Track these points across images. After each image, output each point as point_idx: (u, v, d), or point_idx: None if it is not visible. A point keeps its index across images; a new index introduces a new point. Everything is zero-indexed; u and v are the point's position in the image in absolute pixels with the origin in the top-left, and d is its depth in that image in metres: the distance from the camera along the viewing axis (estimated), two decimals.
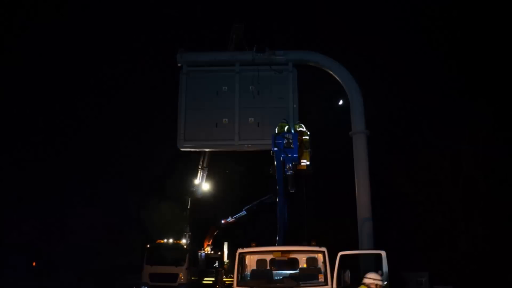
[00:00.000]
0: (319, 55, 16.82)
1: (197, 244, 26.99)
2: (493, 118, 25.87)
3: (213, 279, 26.31)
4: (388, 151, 28.22)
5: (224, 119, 16.31)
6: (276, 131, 14.47)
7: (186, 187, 27.85)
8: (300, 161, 13.89)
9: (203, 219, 29.88)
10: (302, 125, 15.10)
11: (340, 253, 9.98)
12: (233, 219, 27.49)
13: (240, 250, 10.66)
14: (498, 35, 29.42)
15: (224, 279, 26.86)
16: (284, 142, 13.01)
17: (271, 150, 13.77)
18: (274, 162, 14.04)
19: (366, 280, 7.94)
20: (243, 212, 26.83)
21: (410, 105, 30.04)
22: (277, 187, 13.36)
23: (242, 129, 16.15)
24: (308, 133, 14.88)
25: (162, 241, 23.91)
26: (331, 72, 16.54)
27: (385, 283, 9.57)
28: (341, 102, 16.69)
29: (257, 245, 10.96)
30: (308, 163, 14.57)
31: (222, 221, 28.34)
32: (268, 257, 11.40)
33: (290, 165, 13.07)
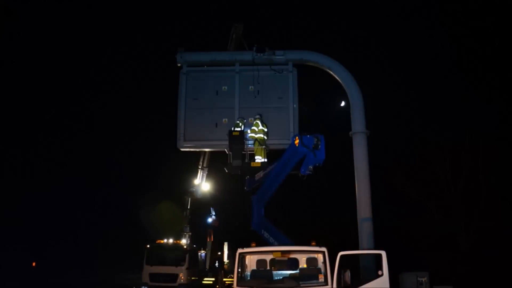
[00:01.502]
0: (319, 55, 16.78)
1: (197, 244, 26.98)
2: (493, 118, 25.90)
3: (213, 279, 26.31)
4: (388, 151, 28.21)
5: (224, 119, 16.28)
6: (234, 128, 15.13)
7: (186, 187, 27.84)
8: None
9: (202, 219, 29.95)
10: (259, 122, 15.31)
11: (340, 253, 9.96)
12: (214, 218, 28.23)
13: (240, 250, 10.63)
14: (497, 33, 29.41)
15: (224, 279, 26.86)
16: (313, 142, 12.90)
17: (290, 147, 13.59)
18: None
19: None
20: (212, 212, 28.09)
21: (410, 105, 30.08)
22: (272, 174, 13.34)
23: None
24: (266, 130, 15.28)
25: (162, 241, 23.86)
26: (331, 72, 16.51)
27: None
28: (343, 104, 16.66)
29: (257, 245, 10.95)
30: (264, 160, 14.92)
31: (209, 220, 28.63)
32: (268, 257, 11.36)
33: (312, 167, 13.01)
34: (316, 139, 12.84)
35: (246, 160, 15.23)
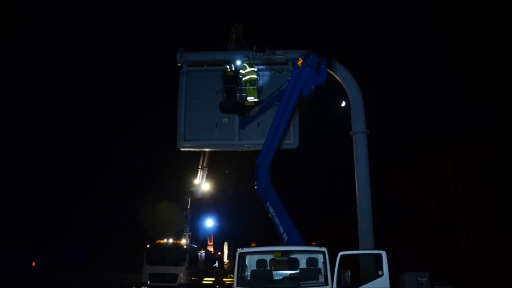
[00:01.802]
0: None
1: (197, 244, 27.01)
2: (493, 118, 25.87)
3: (213, 279, 26.34)
4: (388, 151, 28.15)
5: (224, 119, 16.23)
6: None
7: (186, 187, 27.84)
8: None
9: (202, 220, 29.99)
10: (246, 65, 15.78)
11: (340, 253, 9.95)
12: (214, 221, 28.34)
13: (240, 250, 10.62)
14: (497, 33, 29.39)
15: (224, 279, 26.90)
16: (316, 61, 12.68)
17: (293, 73, 13.45)
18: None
19: None
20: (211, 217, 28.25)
21: (410, 105, 30.04)
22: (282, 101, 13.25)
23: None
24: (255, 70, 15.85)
25: (162, 241, 23.88)
26: (331, 72, 16.45)
27: None
28: (343, 104, 16.64)
29: (257, 245, 10.94)
30: (257, 99, 15.38)
31: (209, 223, 28.72)
32: (268, 257, 11.34)
33: (313, 87, 12.88)
34: (319, 59, 12.73)
35: (239, 100, 15.66)
